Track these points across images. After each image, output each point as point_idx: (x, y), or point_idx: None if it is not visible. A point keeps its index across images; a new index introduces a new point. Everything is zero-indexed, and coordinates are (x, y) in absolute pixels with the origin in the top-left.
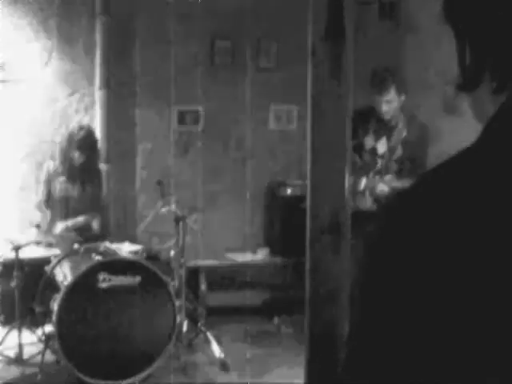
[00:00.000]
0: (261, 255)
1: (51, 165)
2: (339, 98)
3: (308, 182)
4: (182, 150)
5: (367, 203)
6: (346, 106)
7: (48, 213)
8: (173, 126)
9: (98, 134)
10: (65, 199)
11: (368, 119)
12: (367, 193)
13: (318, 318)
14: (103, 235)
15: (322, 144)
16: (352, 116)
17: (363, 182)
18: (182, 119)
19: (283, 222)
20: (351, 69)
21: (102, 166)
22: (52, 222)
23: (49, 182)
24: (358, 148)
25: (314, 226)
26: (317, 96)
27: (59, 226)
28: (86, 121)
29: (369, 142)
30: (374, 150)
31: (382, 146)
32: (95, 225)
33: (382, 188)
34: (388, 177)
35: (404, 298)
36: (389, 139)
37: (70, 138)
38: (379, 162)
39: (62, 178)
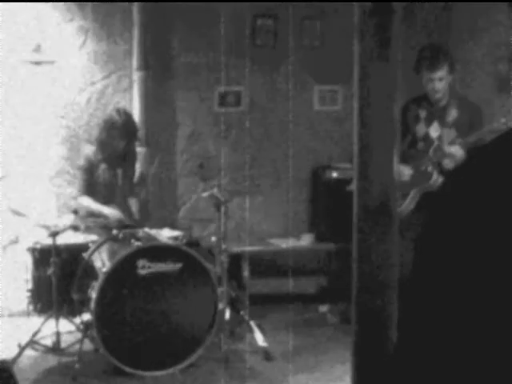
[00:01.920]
0: (305, 241)
1: (90, 151)
2: (387, 77)
3: (355, 164)
4: (223, 132)
5: (435, 180)
6: (393, 85)
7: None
8: (214, 108)
9: (136, 116)
10: (109, 186)
11: (418, 108)
12: (432, 169)
13: (366, 306)
14: (142, 220)
15: (370, 124)
16: (402, 107)
17: (427, 159)
18: (223, 101)
19: (328, 206)
20: (399, 46)
21: (141, 150)
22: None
23: (90, 170)
24: (410, 138)
25: (361, 210)
26: (363, 75)
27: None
28: (123, 103)
29: (421, 129)
30: (427, 136)
31: (434, 131)
32: (134, 210)
33: (453, 151)
34: (453, 148)
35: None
36: (441, 122)
37: (109, 123)
38: (434, 145)
39: (104, 165)
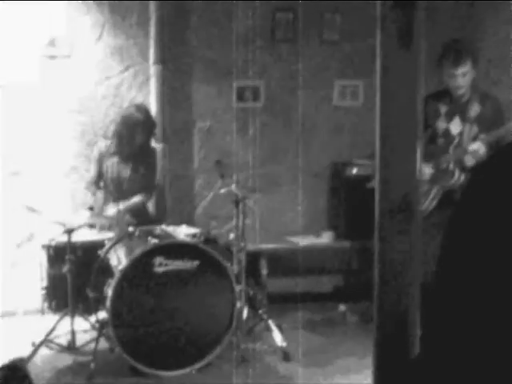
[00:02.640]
0: (325, 239)
1: (103, 144)
2: (410, 71)
3: (376, 161)
4: (241, 128)
5: (457, 178)
6: (417, 79)
7: (99, 194)
8: (232, 103)
9: (153, 111)
10: (117, 180)
11: (438, 103)
12: (454, 167)
13: (388, 306)
14: (159, 218)
15: (392, 120)
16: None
17: (448, 157)
18: (241, 95)
19: (349, 203)
20: (422, 40)
21: (158, 146)
22: (105, 204)
23: (100, 162)
24: (430, 134)
25: (382, 207)
26: (385, 69)
27: (112, 208)
28: (140, 98)
29: (441, 124)
30: (447, 132)
31: (455, 127)
32: (150, 207)
33: (476, 148)
34: (476, 144)
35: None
36: (462, 118)
37: (128, 119)
38: (454, 142)
39: (115, 159)
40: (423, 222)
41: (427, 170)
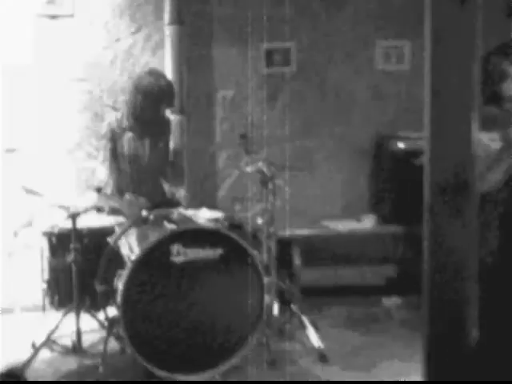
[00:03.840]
0: (366, 223)
1: (114, 118)
2: (466, 28)
3: (426, 134)
4: (269, 96)
5: None
6: (474, 38)
7: (113, 174)
8: (259, 68)
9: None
10: (135, 159)
11: (502, 61)
12: None
13: (439, 299)
14: (177, 200)
15: (444, 86)
16: (484, 58)
17: None
18: (269, 59)
19: (394, 182)
20: None
21: (174, 117)
22: (120, 186)
23: (113, 140)
24: (494, 97)
25: (433, 187)
26: (437, 26)
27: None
28: (153, 63)
29: (509, 87)
30: None
31: None
32: (167, 188)
33: None
34: None
35: None
36: None
37: (141, 87)
38: None
39: (130, 134)
40: (485, 201)
41: (493, 143)
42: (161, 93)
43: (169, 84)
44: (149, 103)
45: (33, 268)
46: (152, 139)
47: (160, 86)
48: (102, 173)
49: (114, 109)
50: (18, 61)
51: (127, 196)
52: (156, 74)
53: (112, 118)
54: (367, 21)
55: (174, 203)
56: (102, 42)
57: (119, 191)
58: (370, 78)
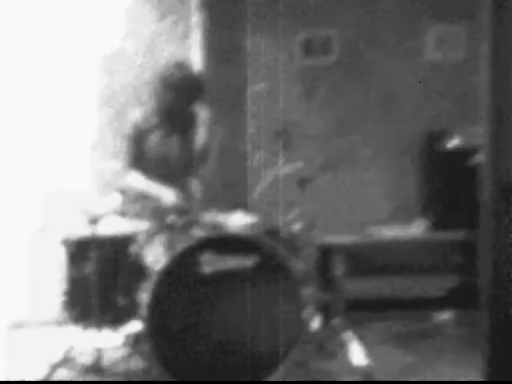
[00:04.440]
0: (416, 229)
1: (138, 115)
2: None
3: (483, 129)
4: (307, 90)
5: None
6: None
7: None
8: (296, 59)
9: (196, 71)
10: (164, 160)
11: None
12: None
13: (499, 313)
14: (206, 203)
15: (506, 75)
16: None
17: None
18: (308, 49)
19: (447, 183)
20: None
21: (203, 114)
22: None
23: (138, 139)
24: None
25: (491, 189)
26: (498, 10)
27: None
28: (179, 54)
29: None
30: None
31: None
32: (195, 190)
33: None
34: None
35: None
36: None
37: (168, 81)
38: None
39: (156, 133)
40: None
41: None
42: (193, 88)
43: (200, 78)
44: (180, 99)
45: (49, 279)
46: (181, 137)
47: (192, 81)
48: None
49: (138, 105)
50: (29, 50)
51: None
52: (186, 68)
53: (137, 115)
54: (417, 4)
55: (201, 206)
56: (123, 30)
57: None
58: (421, 68)
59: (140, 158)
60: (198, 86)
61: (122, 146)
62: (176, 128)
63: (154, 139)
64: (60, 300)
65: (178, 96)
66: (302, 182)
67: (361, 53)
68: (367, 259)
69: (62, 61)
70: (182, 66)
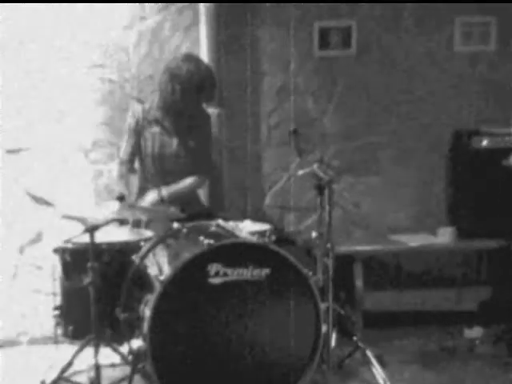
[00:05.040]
0: (443, 237)
1: (139, 109)
2: None
3: None
4: (326, 85)
5: None
6: None
7: (133, 178)
8: (313, 51)
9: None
10: (160, 158)
11: None
12: None
13: None
14: (214, 209)
15: None
16: None
17: None
18: (325, 40)
19: (477, 187)
20: None
21: (212, 111)
22: (142, 191)
23: (137, 133)
24: None
25: None
26: None
27: (152, 196)
28: (186, 46)
29: None
30: None
31: None
32: (202, 195)
33: None
34: None
35: None
36: None
37: (176, 74)
38: None
39: (156, 129)
40: None
41: None
42: (202, 82)
43: (210, 71)
44: (187, 94)
45: (42, 292)
46: (181, 137)
47: (201, 75)
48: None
49: (140, 101)
50: (25, 40)
51: (154, 205)
52: (195, 60)
53: (137, 109)
54: None
55: (209, 211)
56: (125, 20)
57: (144, 197)
58: (447, 62)
59: (138, 152)
60: (209, 81)
61: (121, 140)
62: (178, 126)
63: (151, 135)
64: (54, 315)
65: (189, 92)
66: (319, 186)
67: (383, 45)
68: (390, 270)
69: (59, 54)
70: (193, 60)
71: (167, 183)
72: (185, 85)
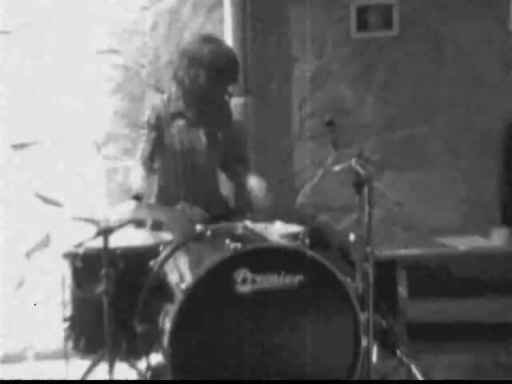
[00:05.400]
0: (496, 239)
1: (159, 101)
2: None
3: None
4: (364, 70)
5: None
6: None
7: (153, 178)
8: (350, 33)
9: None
10: (189, 154)
11: None
12: None
13: None
14: (241, 210)
15: None
16: None
17: None
18: (363, 21)
19: None
20: None
21: (238, 101)
22: (163, 192)
23: (158, 129)
24: None
25: None
26: None
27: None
28: (208, 29)
29: None
30: None
31: None
32: (226, 193)
33: None
34: None
35: None
36: None
37: (196, 57)
38: None
39: (181, 122)
40: None
41: None
42: (226, 65)
43: (232, 53)
44: (211, 79)
45: (51, 302)
46: (210, 128)
47: (224, 56)
48: (139, 175)
49: (157, 89)
50: (31, 27)
51: (177, 205)
52: (216, 41)
53: (156, 100)
54: None
55: (234, 212)
56: (141, 1)
57: (165, 198)
58: (502, 44)
59: (161, 150)
60: (232, 64)
61: (139, 138)
62: (204, 117)
63: (176, 130)
64: (64, 327)
65: (212, 76)
66: (358, 183)
67: (428, 25)
68: (437, 276)
69: (68, 37)
70: (213, 41)
71: (197, 182)
72: (208, 69)
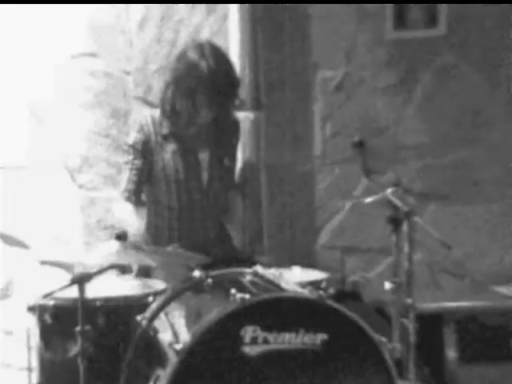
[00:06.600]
0: None
1: (149, 119)
2: None
3: None
4: (402, 79)
5: None
6: None
7: (141, 211)
8: (384, 33)
9: (236, 55)
10: (184, 186)
11: None
12: None
13: None
14: (250, 252)
15: None
16: None
17: None
18: (402, 17)
19: None
20: None
21: (247, 116)
22: (153, 228)
23: (148, 153)
24: None
25: None
26: None
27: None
28: (211, 27)
29: None
30: None
31: None
32: (232, 230)
33: None
34: None
35: None
36: None
37: (187, 68)
38: None
39: (172, 147)
40: None
41: None
42: (224, 86)
43: (225, 65)
44: (214, 100)
45: (13, 366)
46: (213, 153)
47: (211, 68)
48: (123, 207)
49: (147, 102)
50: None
51: (169, 247)
52: (205, 49)
53: (145, 116)
54: None
55: (242, 255)
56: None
57: (155, 238)
58: None
59: (151, 180)
60: (232, 80)
61: (122, 164)
62: (202, 140)
63: (167, 155)
64: None
65: (211, 97)
66: (395, 219)
67: (482, 23)
68: (494, 335)
69: (36, 39)
70: (209, 50)
71: (195, 219)
72: (196, 83)
